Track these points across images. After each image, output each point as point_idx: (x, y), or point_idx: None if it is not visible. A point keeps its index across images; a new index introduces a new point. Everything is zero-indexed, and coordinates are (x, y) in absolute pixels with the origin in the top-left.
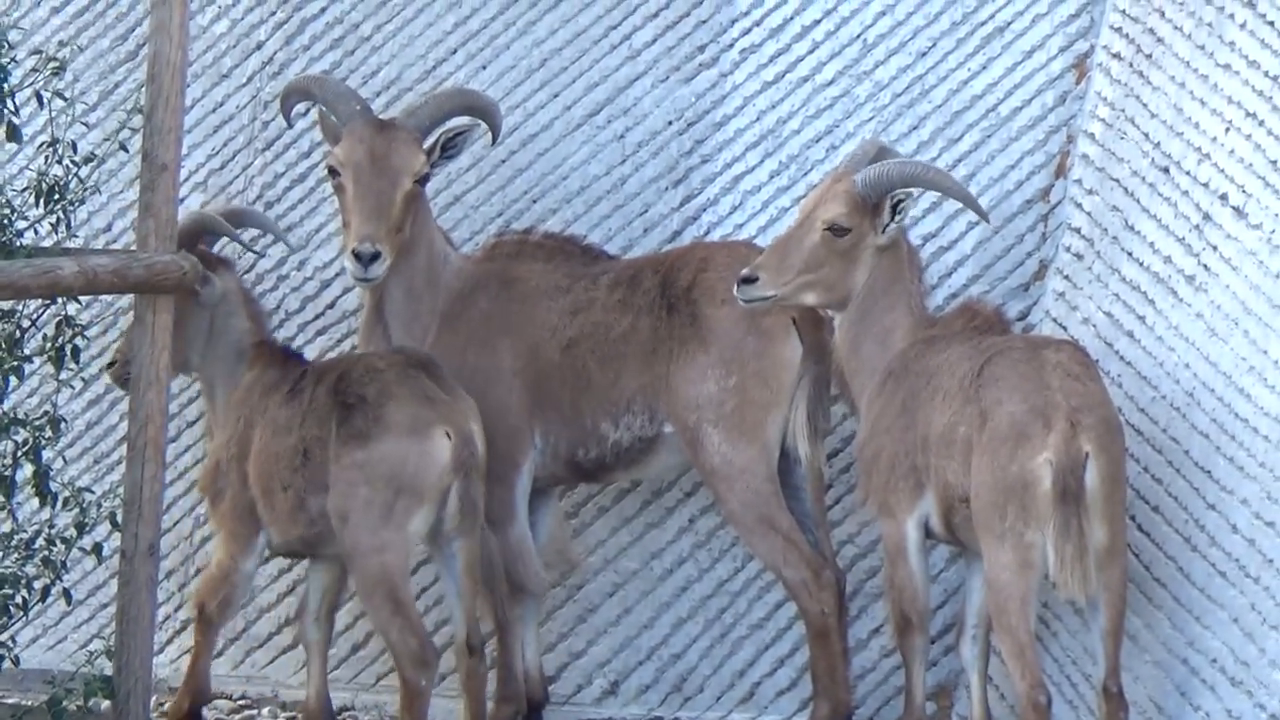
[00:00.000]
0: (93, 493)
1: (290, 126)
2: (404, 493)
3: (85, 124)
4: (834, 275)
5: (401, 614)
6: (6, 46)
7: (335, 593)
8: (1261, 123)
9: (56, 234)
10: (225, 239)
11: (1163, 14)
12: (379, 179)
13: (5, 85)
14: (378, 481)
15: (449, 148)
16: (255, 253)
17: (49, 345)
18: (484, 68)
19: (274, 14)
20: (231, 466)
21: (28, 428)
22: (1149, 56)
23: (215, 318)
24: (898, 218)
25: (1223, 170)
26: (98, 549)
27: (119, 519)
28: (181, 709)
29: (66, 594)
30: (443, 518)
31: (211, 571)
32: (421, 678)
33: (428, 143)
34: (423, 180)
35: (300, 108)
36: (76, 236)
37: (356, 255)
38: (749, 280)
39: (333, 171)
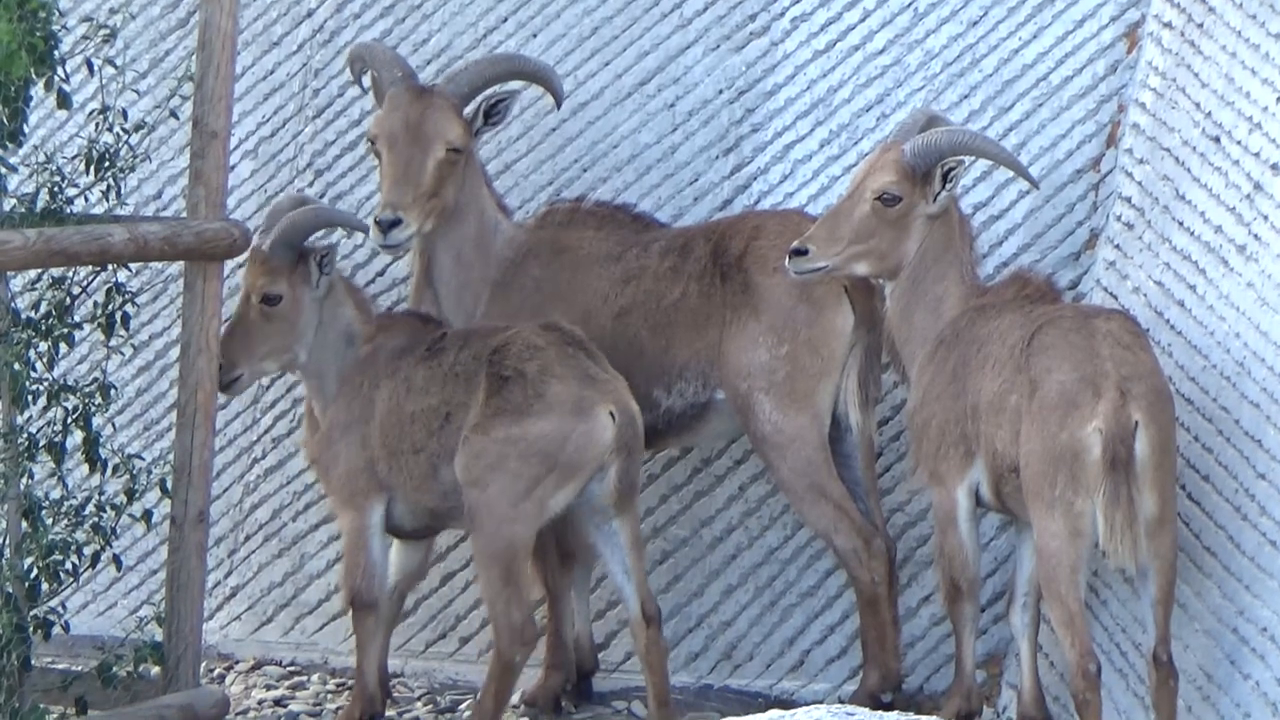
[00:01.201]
0: (143, 459)
1: (365, 92)
2: (556, 470)
3: (136, 91)
4: (885, 245)
5: (513, 586)
6: (58, 14)
7: (415, 579)
8: None
9: (107, 201)
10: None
11: None
12: (411, 146)
13: (56, 53)
14: (532, 458)
15: (492, 114)
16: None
17: (99, 312)
18: (534, 35)
19: None
20: (349, 431)
21: (78, 395)
22: (1200, 25)
23: (324, 310)
24: (949, 186)
25: (1274, 140)
26: (147, 516)
27: (169, 486)
28: (352, 717)
29: (116, 560)
30: (592, 495)
31: (344, 549)
32: (517, 654)
33: (469, 110)
34: (459, 148)
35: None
36: (127, 204)
37: (377, 222)
38: (800, 252)
39: (371, 140)
